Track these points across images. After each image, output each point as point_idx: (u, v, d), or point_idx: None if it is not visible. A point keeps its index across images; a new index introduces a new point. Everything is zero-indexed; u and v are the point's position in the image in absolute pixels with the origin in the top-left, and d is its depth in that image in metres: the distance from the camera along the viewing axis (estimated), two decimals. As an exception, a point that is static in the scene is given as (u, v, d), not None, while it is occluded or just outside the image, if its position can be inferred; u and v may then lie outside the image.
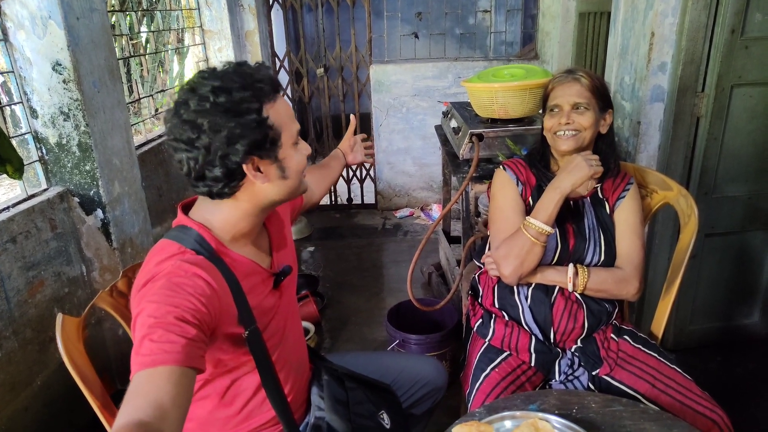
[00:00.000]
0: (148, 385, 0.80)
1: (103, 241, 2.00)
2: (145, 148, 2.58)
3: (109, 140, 1.98)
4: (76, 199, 1.94)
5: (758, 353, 2.33)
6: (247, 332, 1.02)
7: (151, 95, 3.03)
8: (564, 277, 1.40)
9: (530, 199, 1.49)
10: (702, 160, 2.05)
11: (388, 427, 1.17)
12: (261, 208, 1.06)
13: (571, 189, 1.37)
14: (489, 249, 1.52)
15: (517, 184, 1.51)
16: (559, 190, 1.37)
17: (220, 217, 1.04)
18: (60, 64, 1.79)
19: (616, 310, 1.50)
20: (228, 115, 0.92)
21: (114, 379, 2.15)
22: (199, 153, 0.94)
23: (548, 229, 1.36)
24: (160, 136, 2.76)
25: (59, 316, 1.08)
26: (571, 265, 1.41)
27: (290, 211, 1.34)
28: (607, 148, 1.50)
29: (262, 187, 1.02)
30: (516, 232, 1.39)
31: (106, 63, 1.98)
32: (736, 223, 2.18)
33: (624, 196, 1.49)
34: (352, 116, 1.77)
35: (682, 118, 2.01)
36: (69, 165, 1.91)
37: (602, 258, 1.44)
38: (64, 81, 1.81)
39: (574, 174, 1.37)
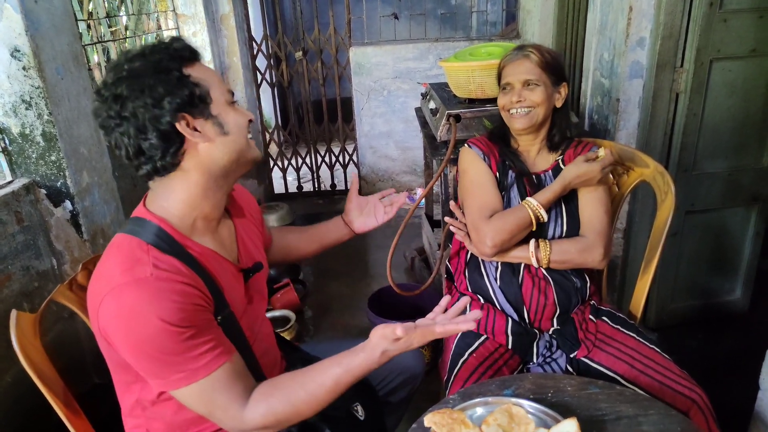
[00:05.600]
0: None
1: (74, 233, 1.95)
2: (118, 136, 2.51)
3: (75, 129, 1.92)
4: (43, 191, 1.88)
5: (739, 330, 2.34)
6: (220, 317, 1.00)
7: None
8: (527, 253, 1.39)
9: (497, 172, 1.50)
10: (681, 136, 2.03)
11: (362, 418, 1.15)
12: (213, 177, 1.01)
13: (571, 180, 1.39)
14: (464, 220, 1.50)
15: (484, 159, 1.51)
16: (560, 180, 1.40)
17: (176, 199, 1.00)
18: (19, 51, 1.72)
19: (588, 285, 1.48)
20: (146, 76, 0.91)
21: (90, 373, 2.11)
22: (128, 124, 0.92)
23: (545, 214, 1.38)
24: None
25: (13, 313, 1.04)
26: (532, 240, 1.40)
27: (262, 232, 1.31)
28: (563, 121, 1.52)
29: (205, 148, 0.98)
30: (517, 208, 1.40)
31: (70, 48, 1.91)
32: (717, 199, 2.17)
33: None
34: (354, 175, 1.56)
35: (661, 94, 1.99)
36: (34, 156, 1.84)
37: (564, 229, 1.44)
38: (24, 68, 1.74)
39: (581, 167, 1.39)
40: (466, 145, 1.57)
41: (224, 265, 1.06)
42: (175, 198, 1.00)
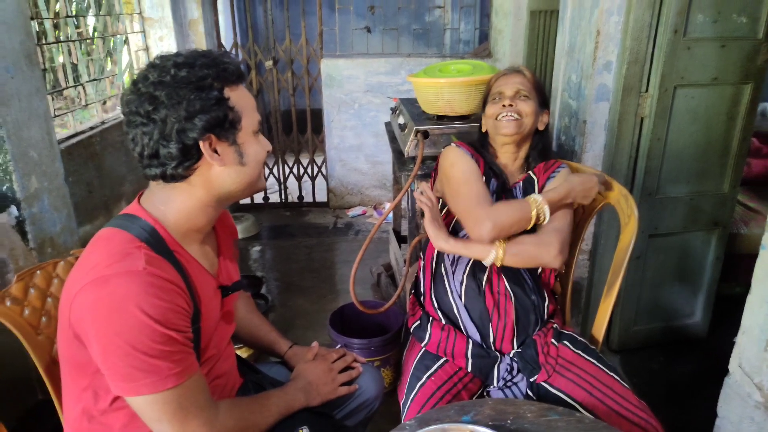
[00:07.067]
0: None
1: (19, 241, 1.85)
2: (74, 140, 2.41)
3: (25, 131, 1.83)
4: (-13, 195, 1.78)
5: (698, 353, 2.36)
6: (193, 328, 0.98)
7: (80, 84, 2.83)
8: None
9: (483, 176, 1.46)
10: (646, 160, 2.05)
11: None
12: (217, 197, 1.01)
13: (574, 186, 1.39)
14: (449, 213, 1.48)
15: (472, 158, 1.48)
16: (566, 184, 1.39)
17: (174, 207, 0.99)
18: (-35, 47, 1.63)
19: (547, 305, 1.46)
20: (188, 88, 0.91)
21: (35, 388, 1.99)
22: (155, 127, 0.91)
23: (548, 213, 1.34)
24: (91, 128, 2.59)
25: (-67, 328, 0.95)
26: None
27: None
28: (543, 145, 1.53)
29: (218, 171, 0.98)
30: (520, 201, 1.38)
31: (22, 47, 1.82)
32: (679, 223, 2.19)
33: (554, 176, 1.49)
34: (315, 343, 1.40)
35: (626, 118, 2.00)
36: (-22, 158, 1.74)
37: None
38: (-30, 65, 1.65)
39: (585, 175, 1.41)
40: (452, 144, 1.53)
41: (206, 278, 1.05)
42: (174, 206, 1.00)
